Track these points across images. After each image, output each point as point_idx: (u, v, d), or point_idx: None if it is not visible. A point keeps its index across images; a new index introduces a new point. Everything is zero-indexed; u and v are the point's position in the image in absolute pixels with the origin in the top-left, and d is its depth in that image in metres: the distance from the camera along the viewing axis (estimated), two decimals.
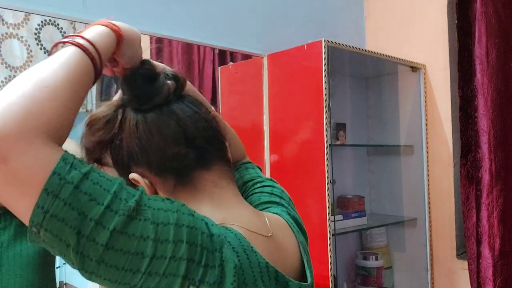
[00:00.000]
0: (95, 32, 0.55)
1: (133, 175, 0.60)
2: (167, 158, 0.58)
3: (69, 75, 0.48)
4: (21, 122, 0.42)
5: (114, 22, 0.60)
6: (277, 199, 0.74)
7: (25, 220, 0.43)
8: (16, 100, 0.43)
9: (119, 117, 0.59)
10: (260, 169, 0.86)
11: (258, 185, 0.77)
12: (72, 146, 0.54)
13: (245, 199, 0.73)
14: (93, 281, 0.46)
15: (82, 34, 0.54)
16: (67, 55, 0.50)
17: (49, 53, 0.53)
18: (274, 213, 0.69)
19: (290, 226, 0.68)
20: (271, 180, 0.81)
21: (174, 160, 0.59)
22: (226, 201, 0.62)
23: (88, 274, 0.45)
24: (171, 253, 0.46)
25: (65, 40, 0.52)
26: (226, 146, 0.66)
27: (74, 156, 0.46)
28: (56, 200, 0.42)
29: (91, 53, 0.52)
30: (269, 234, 0.61)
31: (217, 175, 0.63)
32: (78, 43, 0.52)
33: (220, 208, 0.60)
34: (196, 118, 0.61)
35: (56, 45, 0.53)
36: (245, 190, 0.78)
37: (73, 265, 0.45)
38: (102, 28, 0.57)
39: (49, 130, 0.44)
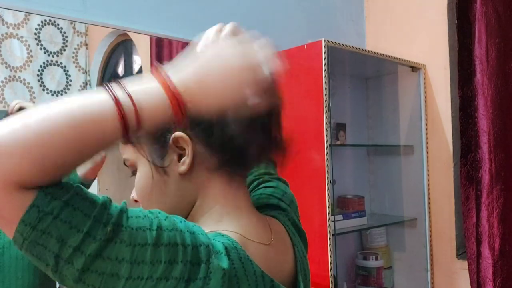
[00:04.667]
0: (144, 90, 0.46)
1: (179, 134, 0.57)
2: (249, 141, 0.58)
3: (79, 134, 0.43)
4: (2, 176, 0.41)
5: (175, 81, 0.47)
6: (275, 201, 0.73)
7: (10, 237, 0.45)
8: (8, 139, 0.41)
9: None
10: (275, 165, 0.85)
11: (262, 185, 0.77)
12: None
13: (251, 195, 0.74)
14: None
15: (128, 88, 0.45)
16: (93, 101, 0.44)
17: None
18: (271, 216, 0.68)
19: (286, 229, 0.68)
20: (278, 180, 0.79)
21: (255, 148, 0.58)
22: (241, 204, 0.62)
23: None
24: (147, 274, 0.46)
25: (107, 87, 0.45)
26: None
27: (57, 187, 0.44)
28: (34, 231, 0.43)
29: (124, 114, 0.44)
30: (270, 242, 0.61)
31: (246, 174, 0.64)
32: (115, 96, 0.44)
33: (232, 211, 0.60)
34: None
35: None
36: (251, 188, 0.78)
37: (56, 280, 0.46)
38: (156, 87, 0.46)
39: (23, 182, 0.42)
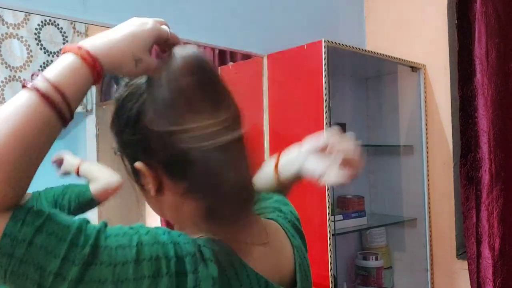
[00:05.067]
0: (60, 68, 0.48)
1: (139, 165, 0.56)
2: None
3: (16, 131, 0.43)
4: None
5: (86, 43, 0.50)
6: (276, 205, 0.73)
7: None
8: None
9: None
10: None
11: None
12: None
13: None
14: None
15: (44, 73, 0.47)
16: (19, 103, 0.45)
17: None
18: (270, 218, 0.68)
19: (285, 231, 0.67)
20: (277, 195, 0.77)
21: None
22: None
23: None
24: None
25: (26, 84, 0.46)
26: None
27: (27, 210, 0.44)
28: (12, 260, 0.43)
29: (50, 98, 0.45)
30: (265, 242, 0.61)
31: None
32: (35, 87, 0.45)
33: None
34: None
35: (23, 86, 0.46)
36: None
37: None
38: (70, 59, 0.48)
39: None
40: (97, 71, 0.49)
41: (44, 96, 0.45)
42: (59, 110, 0.46)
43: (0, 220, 0.43)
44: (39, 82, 0.46)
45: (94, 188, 1.23)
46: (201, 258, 0.50)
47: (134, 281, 0.46)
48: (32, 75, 0.47)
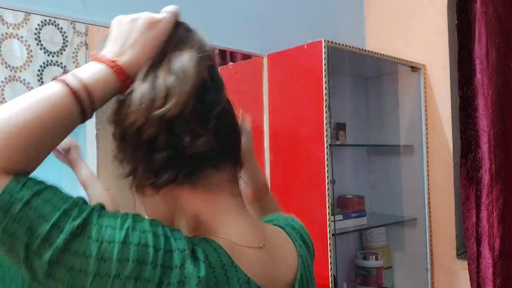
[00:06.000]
0: (91, 73, 0.53)
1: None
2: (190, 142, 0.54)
3: (40, 118, 0.48)
4: None
5: (118, 57, 0.55)
6: (286, 219, 0.73)
7: None
8: None
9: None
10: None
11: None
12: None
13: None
14: None
15: (77, 72, 0.53)
16: (50, 92, 0.50)
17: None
18: (275, 225, 0.67)
19: (291, 238, 0.66)
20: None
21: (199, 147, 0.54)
22: (224, 209, 0.59)
23: (41, 285, 0.47)
24: (115, 272, 0.46)
25: (59, 77, 0.52)
26: (241, 144, 0.63)
27: (30, 178, 0.48)
28: (6, 216, 0.45)
29: (78, 95, 0.51)
30: (261, 245, 0.59)
31: (224, 177, 0.60)
32: (66, 81, 0.51)
33: (215, 217, 0.58)
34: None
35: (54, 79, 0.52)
36: None
37: (27, 277, 0.47)
38: (104, 69, 0.54)
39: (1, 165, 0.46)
40: (126, 86, 0.55)
41: (73, 92, 0.51)
42: (83, 108, 0.51)
43: (4, 179, 0.46)
44: (71, 79, 0.52)
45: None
46: (191, 256, 0.50)
47: (117, 262, 0.46)
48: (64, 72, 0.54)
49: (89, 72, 0.53)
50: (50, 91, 0.50)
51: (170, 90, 0.53)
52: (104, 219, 0.48)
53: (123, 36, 0.57)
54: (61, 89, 0.50)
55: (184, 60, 0.55)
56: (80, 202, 0.48)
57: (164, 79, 0.53)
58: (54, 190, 0.48)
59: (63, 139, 0.51)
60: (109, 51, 0.56)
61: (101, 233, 0.47)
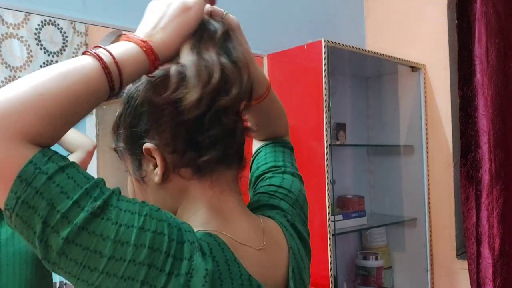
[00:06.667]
0: (122, 50, 0.53)
1: (148, 145, 0.58)
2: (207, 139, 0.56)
3: (72, 88, 0.47)
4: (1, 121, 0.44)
5: (149, 38, 0.55)
6: (276, 201, 0.71)
7: (1, 203, 0.45)
8: (8, 99, 0.45)
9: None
10: (292, 151, 0.85)
11: (267, 182, 0.74)
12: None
13: (254, 194, 0.73)
14: (56, 273, 0.47)
15: (109, 48, 0.52)
16: (81, 64, 0.49)
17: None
18: (267, 216, 0.67)
19: (283, 230, 0.66)
20: (285, 174, 0.76)
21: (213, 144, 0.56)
22: (228, 207, 0.60)
23: (51, 265, 0.46)
24: (130, 256, 0.46)
25: (88, 50, 0.51)
26: (245, 141, 0.64)
27: (56, 152, 0.47)
28: (28, 187, 0.44)
29: (109, 70, 0.50)
30: (261, 247, 0.60)
31: (233, 176, 0.61)
32: (99, 55, 0.50)
33: (218, 215, 0.59)
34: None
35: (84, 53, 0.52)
36: (256, 185, 0.76)
37: (39, 255, 0.46)
38: (135, 48, 0.54)
39: (28, 134, 0.45)
40: (155, 67, 0.55)
41: (105, 67, 0.50)
42: (112, 83, 0.50)
43: (31, 149, 0.45)
44: (104, 53, 0.51)
45: (76, 158, 1.22)
46: (199, 249, 0.50)
47: (134, 247, 0.46)
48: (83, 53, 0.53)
49: (120, 49, 0.52)
50: (82, 63, 0.49)
51: (227, 70, 0.54)
52: (123, 203, 0.48)
53: (156, 19, 0.57)
54: (93, 62, 0.49)
55: (239, 52, 0.57)
56: (102, 183, 0.48)
57: (217, 58, 0.55)
58: (77, 167, 0.47)
59: (87, 113, 0.50)
60: (141, 31, 0.56)
61: (120, 216, 0.47)
